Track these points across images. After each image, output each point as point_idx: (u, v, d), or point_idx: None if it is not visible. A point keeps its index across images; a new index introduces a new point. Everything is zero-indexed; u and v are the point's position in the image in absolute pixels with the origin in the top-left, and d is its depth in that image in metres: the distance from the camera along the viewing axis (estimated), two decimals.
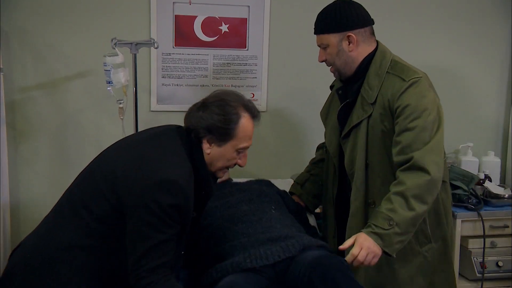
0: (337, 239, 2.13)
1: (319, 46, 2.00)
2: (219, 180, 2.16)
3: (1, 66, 2.30)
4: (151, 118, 2.60)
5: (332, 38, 1.94)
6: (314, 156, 2.46)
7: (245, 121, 1.69)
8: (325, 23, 1.96)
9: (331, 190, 2.16)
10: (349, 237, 1.89)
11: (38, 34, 2.47)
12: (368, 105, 1.94)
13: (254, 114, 1.73)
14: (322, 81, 2.62)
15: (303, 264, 1.73)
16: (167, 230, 1.55)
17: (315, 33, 2.01)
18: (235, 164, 1.76)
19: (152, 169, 1.57)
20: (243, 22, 2.66)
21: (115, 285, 1.63)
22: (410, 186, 1.77)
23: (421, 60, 2.79)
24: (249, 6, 2.64)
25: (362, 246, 1.76)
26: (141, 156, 1.63)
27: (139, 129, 2.41)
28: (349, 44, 1.94)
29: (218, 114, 1.66)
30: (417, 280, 1.96)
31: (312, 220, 2.39)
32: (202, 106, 1.70)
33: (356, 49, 1.95)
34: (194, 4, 2.58)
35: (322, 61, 2.02)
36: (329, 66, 2.02)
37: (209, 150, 1.69)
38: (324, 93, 2.42)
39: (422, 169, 1.78)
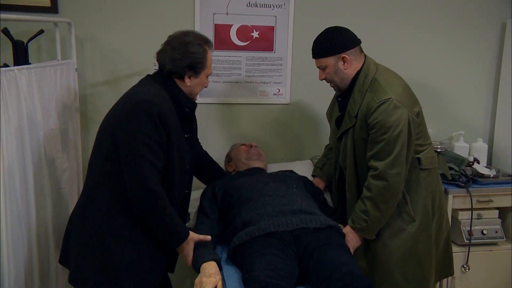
0: (340, 211, 2.27)
1: (318, 67, 2.07)
2: (253, 165, 2.38)
3: (76, 66, 2.46)
4: None
5: (329, 61, 2.01)
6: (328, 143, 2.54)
7: (209, 53, 1.89)
8: (321, 49, 2.02)
9: (334, 174, 2.30)
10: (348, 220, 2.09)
11: (105, 40, 2.58)
12: (352, 117, 2.03)
13: (210, 45, 1.91)
14: None
15: (334, 270, 1.69)
16: (154, 146, 1.68)
17: (313, 57, 2.07)
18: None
19: (129, 99, 1.75)
20: (271, 29, 2.75)
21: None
22: (376, 193, 1.96)
23: (421, 63, 2.86)
24: (276, 16, 2.73)
25: (350, 246, 2.00)
26: (121, 98, 1.82)
27: None
28: (344, 64, 2.00)
29: (192, 53, 1.83)
30: (402, 249, 2.05)
31: (329, 201, 2.44)
32: (174, 49, 1.83)
33: (350, 67, 2.01)
34: (230, 14, 2.68)
35: (323, 79, 2.10)
36: (328, 82, 2.10)
37: (189, 83, 1.86)
38: None
39: (385, 180, 1.93)
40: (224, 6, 2.67)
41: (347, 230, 2.06)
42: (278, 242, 1.83)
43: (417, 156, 2.05)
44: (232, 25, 2.70)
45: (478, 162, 2.78)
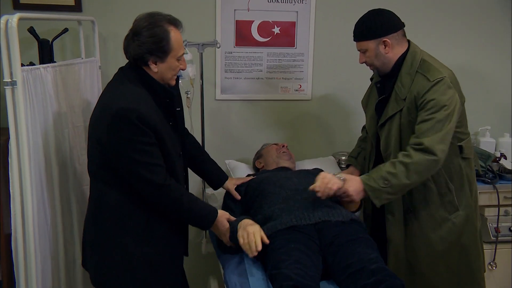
0: (371, 203, 2.14)
1: (359, 50, 2.03)
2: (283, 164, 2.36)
3: (99, 64, 2.47)
4: (216, 105, 2.74)
5: (370, 44, 1.96)
6: (356, 135, 2.47)
7: (173, 33, 1.71)
8: (362, 31, 1.98)
9: (367, 165, 2.22)
10: (387, 213, 2.03)
11: None
12: (401, 100, 1.97)
13: (177, 24, 1.76)
14: (359, 73, 2.70)
15: (363, 265, 1.65)
16: (146, 148, 1.65)
17: (354, 40, 2.03)
18: (179, 70, 1.80)
19: (107, 107, 1.65)
20: (292, 25, 2.72)
21: (139, 215, 1.74)
22: (415, 161, 1.84)
23: (446, 57, 2.81)
24: (297, 12, 2.71)
25: (346, 193, 1.87)
26: (100, 100, 1.75)
27: (205, 115, 2.51)
28: (385, 48, 1.96)
29: (151, 37, 1.67)
30: (446, 240, 2.01)
31: None
32: (134, 35, 1.70)
33: (392, 51, 1.96)
34: (251, 11, 2.66)
35: (363, 63, 2.05)
36: (368, 66, 2.05)
37: (156, 69, 1.72)
38: (360, 84, 2.45)
39: (430, 152, 1.84)
40: (245, 2, 2.65)
41: (355, 178, 1.92)
42: (301, 236, 1.81)
43: (459, 144, 2.00)
44: (253, 21, 2.69)
45: (505, 158, 2.72)
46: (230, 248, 1.95)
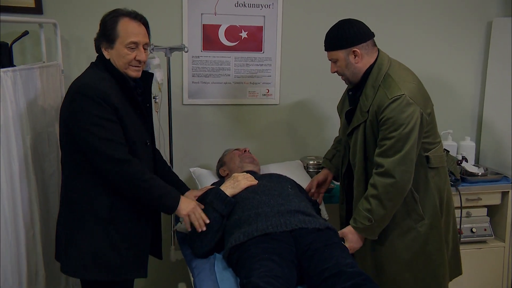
0: (345, 205, 2.25)
1: (330, 60, 2.05)
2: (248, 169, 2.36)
3: (62, 68, 2.42)
4: (183, 110, 2.72)
5: (340, 54, 1.99)
6: (324, 140, 2.60)
7: (123, 21, 1.81)
8: (333, 41, 2.00)
9: (341, 168, 2.26)
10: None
11: (91, 41, 2.36)
12: (364, 112, 2.00)
13: (133, 16, 1.84)
14: (327, 78, 2.73)
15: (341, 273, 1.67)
16: (105, 123, 1.72)
17: (325, 50, 2.05)
18: (137, 60, 1.83)
19: (70, 88, 1.79)
20: (260, 29, 2.74)
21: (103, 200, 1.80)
22: (381, 191, 1.92)
23: (407, 60, 2.90)
24: (264, 16, 2.72)
25: (350, 248, 1.99)
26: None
27: (173, 120, 2.49)
28: (355, 57, 1.98)
29: (101, 24, 1.85)
30: (411, 248, 2.04)
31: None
32: None
33: (361, 61, 1.99)
34: (218, 15, 2.66)
35: (334, 72, 2.06)
36: (340, 76, 2.07)
37: (108, 55, 1.84)
38: (328, 89, 2.48)
39: (391, 176, 1.90)
40: (212, 6, 2.65)
41: (347, 230, 2.02)
42: (277, 245, 1.80)
43: (426, 154, 2.03)
44: (220, 25, 2.69)
45: (467, 161, 2.79)
46: (202, 254, 1.98)
